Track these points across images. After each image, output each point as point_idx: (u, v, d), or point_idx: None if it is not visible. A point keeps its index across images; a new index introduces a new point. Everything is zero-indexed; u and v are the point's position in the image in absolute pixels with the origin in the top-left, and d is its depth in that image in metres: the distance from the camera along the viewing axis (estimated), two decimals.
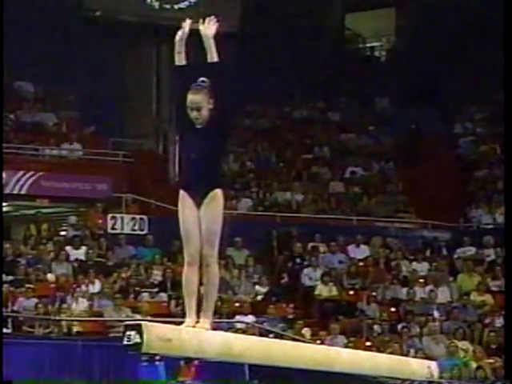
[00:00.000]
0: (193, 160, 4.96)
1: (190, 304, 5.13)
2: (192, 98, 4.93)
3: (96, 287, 13.67)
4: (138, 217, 15.40)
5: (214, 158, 4.98)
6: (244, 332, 11.88)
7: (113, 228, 15.25)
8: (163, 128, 18.82)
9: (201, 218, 5.01)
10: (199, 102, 4.92)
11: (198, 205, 5.02)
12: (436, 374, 7.62)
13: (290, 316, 14.13)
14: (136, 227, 15.31)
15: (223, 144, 5.04)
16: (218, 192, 5.01)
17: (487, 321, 14.35)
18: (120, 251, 14.90)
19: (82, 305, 13.19)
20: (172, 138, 18.24)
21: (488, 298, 14.93)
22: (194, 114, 4.94)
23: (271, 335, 11.93)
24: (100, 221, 15.44)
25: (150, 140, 18.83)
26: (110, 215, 15.35)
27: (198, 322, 5.15)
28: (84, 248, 14.60)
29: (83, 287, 13.55)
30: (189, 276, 5.08)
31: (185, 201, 5.04)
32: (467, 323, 14.21)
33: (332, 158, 18.97)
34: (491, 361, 13.23)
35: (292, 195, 17.56)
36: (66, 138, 16.77)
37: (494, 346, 13.62)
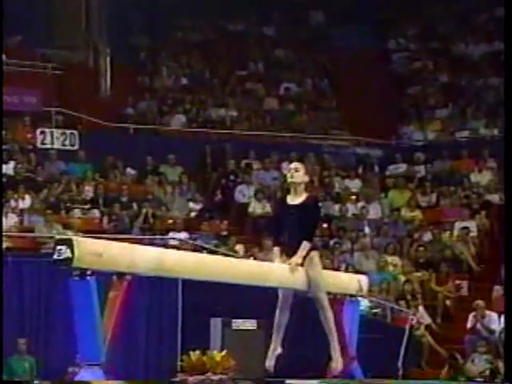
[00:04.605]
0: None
1: None
2: None
3: (26, 203, 13.44)
4: (68, 131, 15.08)
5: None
6: (177, 249, 11.87)
7: (42, 143, 14.92)
8: (93, 41, 18.29)
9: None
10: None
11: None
12: (365, 287, 7.77)
13: (224, 233, 14.15)
14: (66, 142, 15.00)
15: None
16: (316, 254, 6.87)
17: (416, 236, 14.64)
18: (50, 167, 14.63)
19: (11, 220, 12.97)
20: (103, 51, 17.76)
21: (418, 213, 15.20)
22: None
23: (204, 252, 11.95)
24: (29, 135, 15.08)
25: (79, 52, 18.29)
26: (39, 129, 14.99)
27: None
28: (12, 163, 14.28)
29: (12, 202, 13.31)
30: None
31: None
32: (397, 238, 14.47)
33: (266, 73, 18.79)
34: (419, 274, 13.55)
35: (226, 111, 17.40)
36: None
37: (422, 261, 13.93)
